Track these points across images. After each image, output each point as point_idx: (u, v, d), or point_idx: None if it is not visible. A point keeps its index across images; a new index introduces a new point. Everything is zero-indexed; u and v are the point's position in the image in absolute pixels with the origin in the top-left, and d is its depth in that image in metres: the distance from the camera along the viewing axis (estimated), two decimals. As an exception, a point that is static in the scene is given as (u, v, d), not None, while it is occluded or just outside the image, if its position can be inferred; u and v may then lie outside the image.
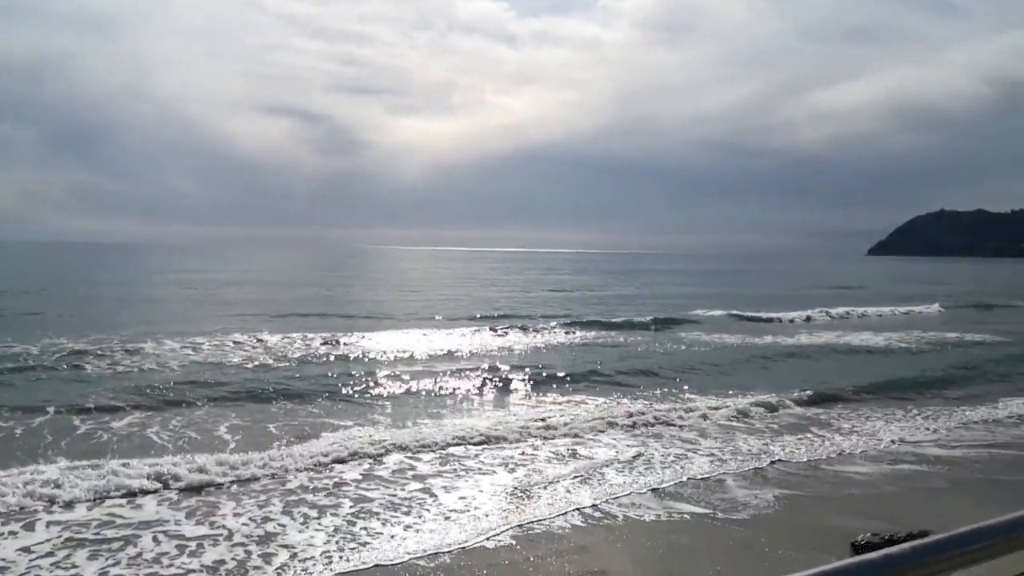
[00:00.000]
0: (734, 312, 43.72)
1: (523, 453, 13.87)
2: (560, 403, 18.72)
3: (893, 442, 15.34)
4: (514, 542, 9.89)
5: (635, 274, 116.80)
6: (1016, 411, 18.38)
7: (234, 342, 26.44)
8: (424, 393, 19.75)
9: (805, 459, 14.13)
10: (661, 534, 10.42)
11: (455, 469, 12.86)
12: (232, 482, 11.75)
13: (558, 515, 10.83)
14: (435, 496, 11.51)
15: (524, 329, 33.84)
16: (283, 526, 10.14)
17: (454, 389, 20.24)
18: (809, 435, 15.89)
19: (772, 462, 13.80)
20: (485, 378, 21.53)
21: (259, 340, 26.97)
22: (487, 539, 9.90)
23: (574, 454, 13.93)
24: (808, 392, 19.64)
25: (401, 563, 9.08)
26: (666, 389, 20.63)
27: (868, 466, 13.78)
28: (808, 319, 42.98)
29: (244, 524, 10.11)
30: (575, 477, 12.57)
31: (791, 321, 41.78)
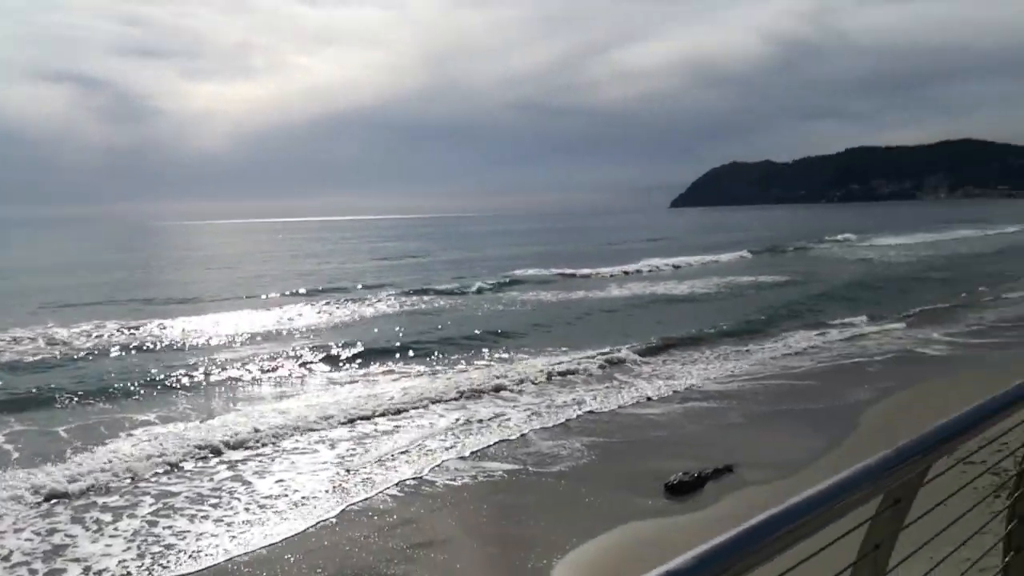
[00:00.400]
0: (555, 271, 45.05)
1: (349, 433, 13.50)
2: (385, 378, 18.41)
3: (692, 385, 16.42)
4: (337, 525, 9.60)
5: (458, 237, 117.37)
6: (795, 344, 20.32)
7: (13, 338, 23.73)
8: (237, 380, 18.69)
9: (615, 406, 14.82)
10: (484, 496, 10.53)
11: (272, 458, 12.29)
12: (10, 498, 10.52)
13: (380, 492, 10.64)
14: (252, 487, 10.94)
15: (348, 301, 33.01)
16: (73, 536, 9.22)
17: (270, 373, 19.30)
18: (616, 383, 16.67)
19: (582, 413, 14.36)
20: (305, 359, 20.67)
21: (45, 334, 24.36)
22: (310, 526, 9.53)
23: (398, 429, 13.75)
24: (627, 347, 20.57)
25: (213, 566, 8.53)
26: (492, 352, 20.85)
27: (671, 408, 14.69)
28: (626, 273, 44.90)
29: (27, 540, 9.09)
30: (400, 452, 12.41)
31: (611, 276, 43.54)
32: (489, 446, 12.60)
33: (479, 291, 37.01)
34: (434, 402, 15.32)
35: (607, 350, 19.86)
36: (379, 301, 33.44)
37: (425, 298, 34.46)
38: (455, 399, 15.60)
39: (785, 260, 54.31)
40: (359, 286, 40.59)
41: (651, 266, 48.01)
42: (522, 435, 13.12)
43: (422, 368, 19.11)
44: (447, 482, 11.07)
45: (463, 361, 19.80)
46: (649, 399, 15.37)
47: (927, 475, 2.10)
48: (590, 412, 14.47)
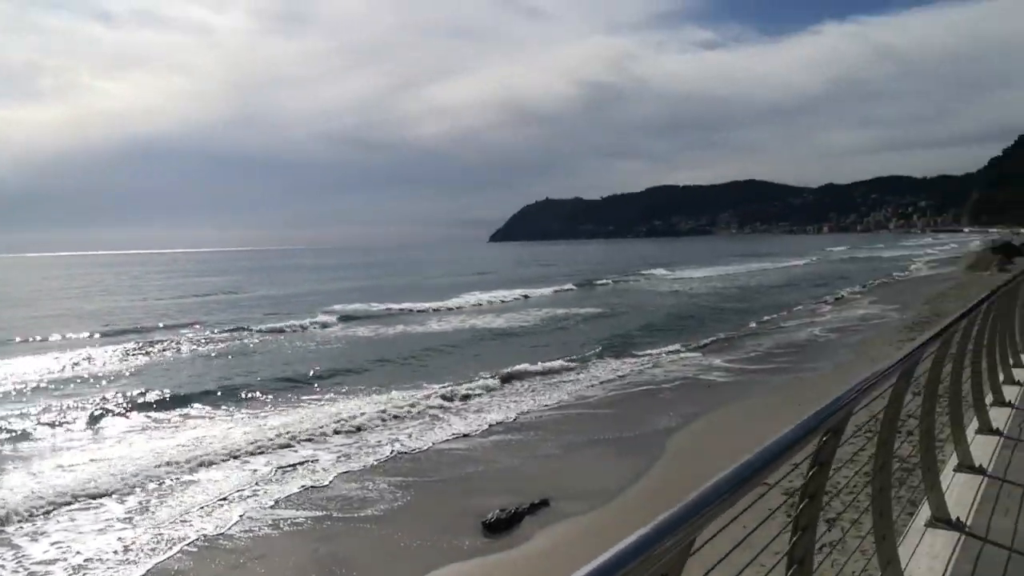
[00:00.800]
0: (374, 306, 44.28)
1: (140, 490, 12.32)
2: (183, 426, 17.05)
3: (506, 418, 16.57)
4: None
5: (273, 272, 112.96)
6: (602, 374, 21.21)
7: None
8: (15, 436, 16.58)
9: (429, 443, 14.65)
10: (292, 547, 9.94)
11: (53, 518, 10.95)
12: None
13: (177, 552, 9.76)
14: (23, 553, 9.66)
15: (148, 344, 30.54)
16: None
17: (54, 427, 17.27)
18: (432, 419, 16.55)
19: (397, 452, 14.05)
20: (94, 409, 18.71)
21: None
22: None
23: (195, 481, 12.75)
24: (440, 387, 20.46)
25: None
26: (299, 396, 20.02)
27: (485, 442, 14.75)
28: (449, 309, 44.73)
29: None
30: (199, 507, 11.49)
31: (433, 311, 43.24)
32: (295, 493, 12.00)
33: (294, 329, 35.61)
34: (234, 452, 14.34)
35: (424, 386, 19.69)
36: (183, 342, 31.27)
37: (236, 336, 32.69)
38: (256, 446, 14.68)
39: (602, 292, 56.90)
40: (161, 325, 37.80)
41: (474, 300, 48.49)
42: (333, 479, 12.61)
43: (222, 414, 17.96)
44: (249, 535, 10.37)
45: (269, 405, 18.85)
46: (465, 435, 15.33)
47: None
48: (404, 452, 14.16)
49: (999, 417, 7.35)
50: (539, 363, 22.96)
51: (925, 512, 5.00)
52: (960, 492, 5.54)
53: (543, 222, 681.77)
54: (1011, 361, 9.65)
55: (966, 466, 6.02)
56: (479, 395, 18.98)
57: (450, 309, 44.31)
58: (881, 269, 70.19)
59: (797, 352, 23.63)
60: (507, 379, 20.80)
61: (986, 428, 6.86)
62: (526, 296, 52.36)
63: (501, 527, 10.58)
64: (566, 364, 22.97)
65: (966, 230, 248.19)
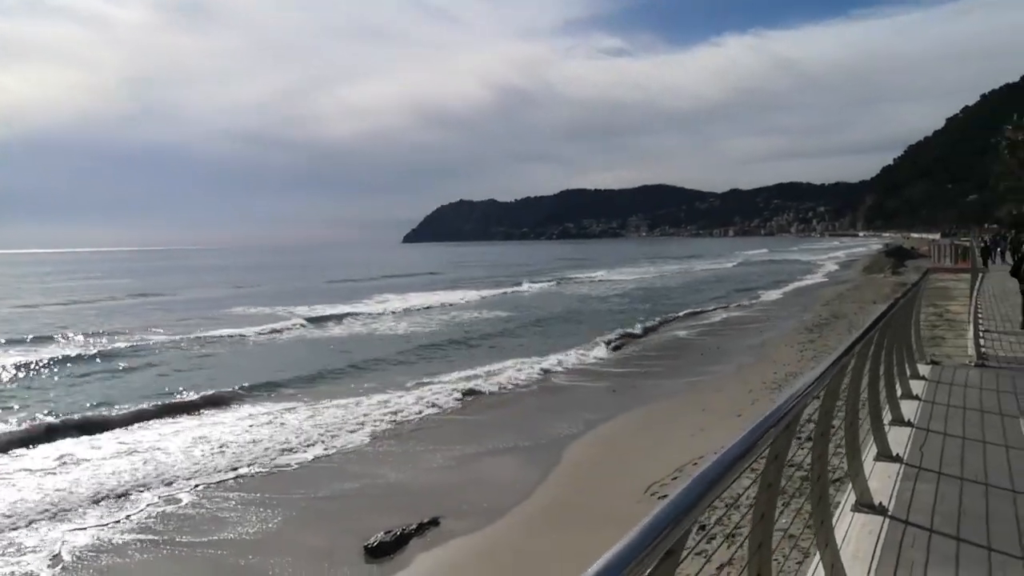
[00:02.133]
0: (282, 309, 42.48)
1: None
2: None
3: (392, 427, 15.66)
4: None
5: (170, 273, 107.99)
6: (502, 380, 20.49)
7: None
8: None
9: (305, 458, 13.58)
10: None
11: None
12: None
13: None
14: None
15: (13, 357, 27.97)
16: None
17: None
18: (275, 432, 15.43)
19: (241, 474, 12.89)
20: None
21: None
22: None
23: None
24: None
25: None
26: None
27: (368, 453, 13.77)
28: (359, 313, 43.45)
29: None
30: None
31: (335, 316, 41.79)
32: (137, 514, 10.78)
33: (185, 334, 33.54)
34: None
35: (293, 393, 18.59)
36: (56, 356, 28.92)
37: (108, 352, 30.47)
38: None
39: (516, 295, 55.96)
40: (30, 338, 34.73)
41: (381, 303, 47.16)
42: (188, 496, 11.43)
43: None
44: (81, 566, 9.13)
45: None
46: (325, 454, 14.23)
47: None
48: (255, 474, 12.95)
49: (909, 410, 7.83)
50: (434, 364, 22.08)
51: (852, 498, 5.48)
52: (880, 478, 6.05)
53: (457, 223, 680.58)
54: (916, 355, 10.03)
55: (884, 455, 6.49)
56: (357, 401, 17.92)
57: (360, 314, 42.92)
58: (787, 272, 72.49)
59: (702, 355, 23.50)
60: (393, 384, 19.85)
61: (899, 420, 7.36)
62: (441, 302, 51.34)
63: (385, 551, 9.69)
64: (463, 365, 22.20)
65: (861, 234, 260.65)
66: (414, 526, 10.25)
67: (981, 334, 12.07)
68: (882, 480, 5.92)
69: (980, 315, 12.64)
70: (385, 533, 9.95)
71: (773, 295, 46.40)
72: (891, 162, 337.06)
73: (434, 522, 10.46)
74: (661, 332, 30.17)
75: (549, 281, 69.32)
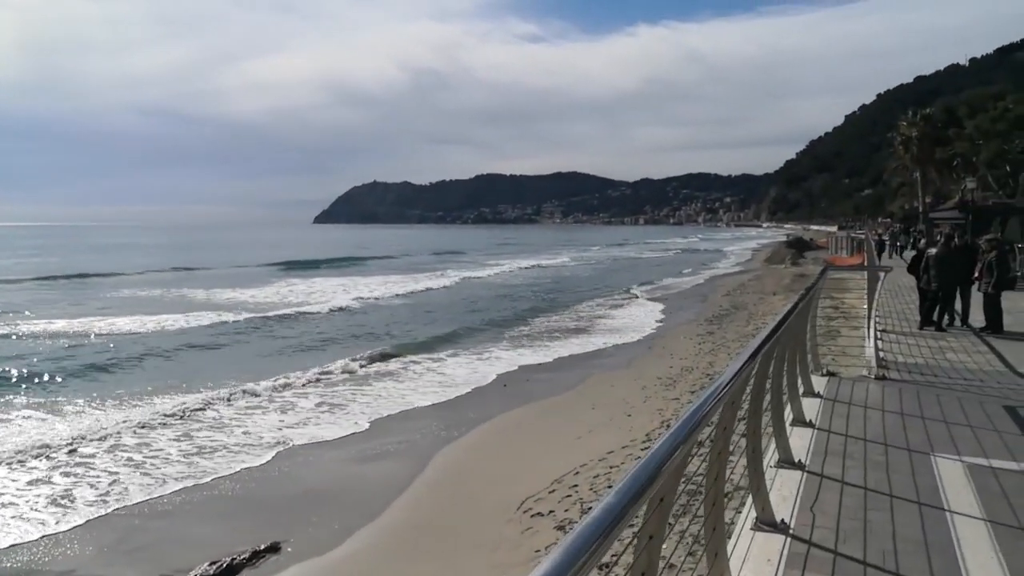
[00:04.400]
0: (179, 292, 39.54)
1: None
2: None
3: (228, 439, 14.08)
4: None
5: (60, 252, 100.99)
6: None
7: None
8: None
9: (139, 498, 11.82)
10: None
11: None
12: None
13: None
14: None
15: None
16: None
17: None
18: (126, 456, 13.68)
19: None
20: None
21: None
22: None
23: None
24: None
25: None
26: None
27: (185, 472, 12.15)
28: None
29: None
30: None
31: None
32: None
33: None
34: None
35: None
36: None
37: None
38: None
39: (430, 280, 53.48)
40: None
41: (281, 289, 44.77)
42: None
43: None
44: None
45: None
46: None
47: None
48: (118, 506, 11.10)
49: (800, 444, 6.78)
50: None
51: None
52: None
53: (370, 205, 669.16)
54: (811, 367, 9.09)
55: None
56: (184, 413, 16.21)
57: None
58: (697, 261, 73.36)
59: (595, 350, 22.49)
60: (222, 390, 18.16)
61: (788, 462, 6.23)
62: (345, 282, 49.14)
63: (208, 584, 8.21)
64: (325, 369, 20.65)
65: (764, 225, 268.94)
66: (247, 553, 8.79)
67: (880, 336, 11.40)
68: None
69: (878, 315, 11.95)
70: (209, 564, 8.47)
71: (681, 282, 46.33)
72: (793, 156, 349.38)
73: (274, 547, 9.01)
74: (553, 322, 29.22)
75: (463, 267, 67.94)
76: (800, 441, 6.48)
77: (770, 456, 5.89)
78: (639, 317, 29.23)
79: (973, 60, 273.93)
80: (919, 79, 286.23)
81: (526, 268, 65.20)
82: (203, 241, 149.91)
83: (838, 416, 7.42)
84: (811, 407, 7.61)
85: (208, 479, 11.25)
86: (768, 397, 5.52)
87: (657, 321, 27.78)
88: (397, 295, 40.47)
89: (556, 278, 54.17)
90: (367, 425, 14.15)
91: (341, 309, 33.66)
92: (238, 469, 11.69)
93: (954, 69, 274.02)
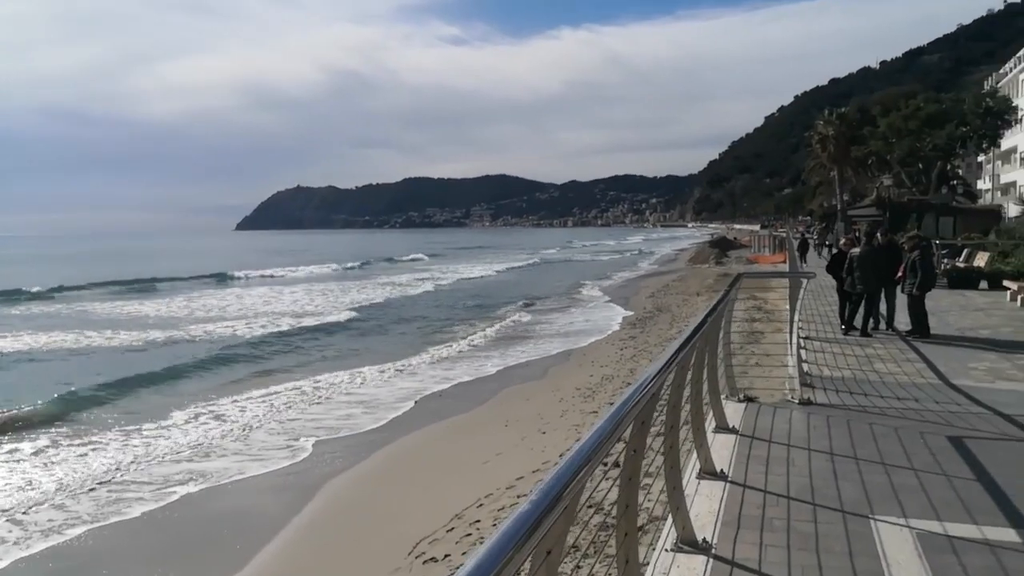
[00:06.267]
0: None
1: None
2: None
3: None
4: None
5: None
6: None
7: None
8: None
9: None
10: None
11: None
12: None
13: None
14: None
15: None
16: None
17: None
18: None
19: None
20: None
21: None
22: None
23: None
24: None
25: None
26: None
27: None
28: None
29: None
30: None
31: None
32: None
33: None
34: None
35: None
36: None
37: None
38: None
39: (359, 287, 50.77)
40: None
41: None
42: None
43: None
44: None
45: None
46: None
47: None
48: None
49: (710, 498, 5.64)
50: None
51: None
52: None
53: (295, 210, 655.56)
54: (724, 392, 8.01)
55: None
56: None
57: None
58: (627, 262, 73.23)
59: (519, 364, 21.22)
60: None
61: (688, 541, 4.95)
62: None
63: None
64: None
65: (689, 225, 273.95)
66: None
67: (803, 344, 10.54)
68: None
69: (800, 320, 11.04)
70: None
71: (602, 285, 45.74)
72: (716, 157, 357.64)
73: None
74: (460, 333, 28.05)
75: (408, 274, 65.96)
76: (707, 503, 5.23)
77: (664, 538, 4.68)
78: (559, 323, 28.30)
79: (883, 63, 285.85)
80: (833, 81, 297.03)
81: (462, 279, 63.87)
82: (120, 250, 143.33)
83: (755, 462, 6.17)
84: (724, 447, 6.48)
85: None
86: (666, 453, 4.49)
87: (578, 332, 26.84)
88: (358, 305, 38.64)
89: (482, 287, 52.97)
90: (252, 453, 12.69)
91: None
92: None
93: (866, 72, 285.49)
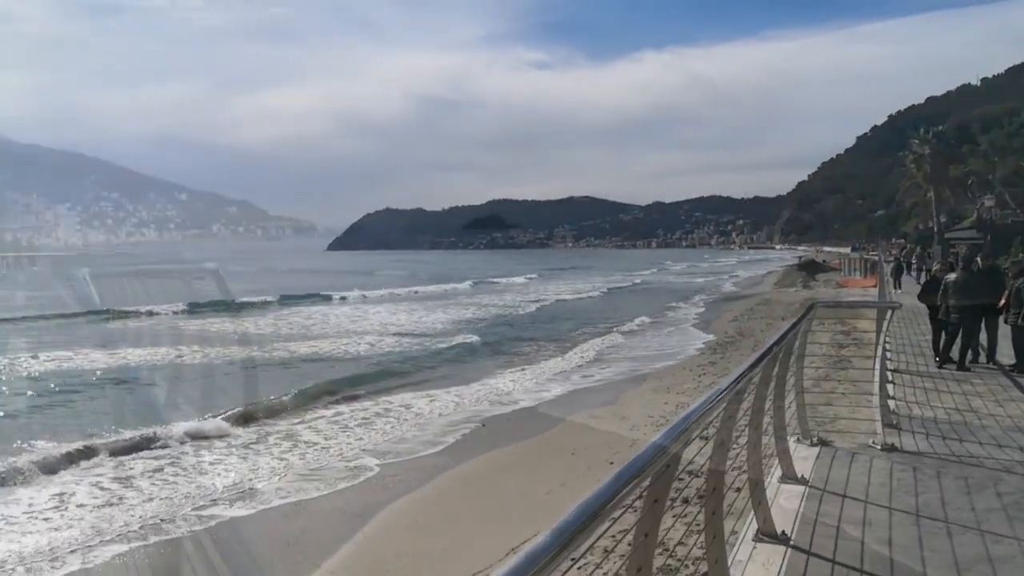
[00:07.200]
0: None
1: None
2: None
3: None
4: None
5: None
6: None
7: None
8: None
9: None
10: None
11: None
12: None
13: None
14: None
15: None
16: None
17: None
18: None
19: None
20: None
21: None
22: None
23: None
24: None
25: None
26: None
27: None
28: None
29: None
30: None
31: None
32: None
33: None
34: None
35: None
36: None
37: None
38: None
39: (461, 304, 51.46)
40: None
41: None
42: None
43: None
44: None
45: None
46: None
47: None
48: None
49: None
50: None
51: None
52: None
53: (383, 232, 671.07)
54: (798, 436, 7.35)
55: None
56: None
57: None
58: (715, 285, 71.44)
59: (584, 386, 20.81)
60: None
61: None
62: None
63: None
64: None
65: (777, 247, 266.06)
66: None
67: (891, 378, 9.70)
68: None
69: (888, 349, 10.17)
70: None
71: (688, 309, 44.56)
72: (805, 178, 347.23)
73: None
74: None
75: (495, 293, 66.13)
76: (763, 573, 4.56)
77: None
78: (638, 346, 27.61)
79: (984, 80, 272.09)
80: (930, 100, 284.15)
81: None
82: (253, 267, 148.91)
83: (825, 522, 5.30)
84: (789, 501, 5.70)
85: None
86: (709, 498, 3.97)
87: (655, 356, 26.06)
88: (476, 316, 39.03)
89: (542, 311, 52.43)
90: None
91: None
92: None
93: (965, 89, 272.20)
